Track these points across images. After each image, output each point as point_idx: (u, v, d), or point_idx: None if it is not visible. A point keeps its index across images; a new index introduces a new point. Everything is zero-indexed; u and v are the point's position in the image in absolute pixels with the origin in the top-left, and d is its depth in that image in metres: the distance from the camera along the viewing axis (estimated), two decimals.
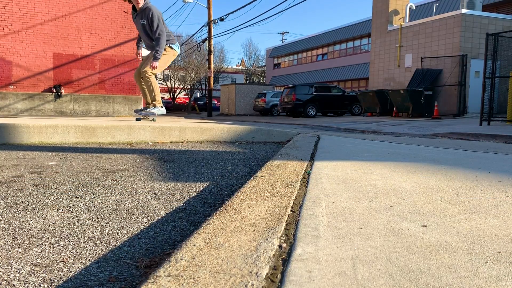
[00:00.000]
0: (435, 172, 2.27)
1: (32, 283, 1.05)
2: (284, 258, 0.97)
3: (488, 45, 9.61)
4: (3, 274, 1.09)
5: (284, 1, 27.29)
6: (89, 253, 1.27)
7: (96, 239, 1.40)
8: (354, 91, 26.23)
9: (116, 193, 2.12)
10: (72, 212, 1.73)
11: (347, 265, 0.93)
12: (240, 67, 63.59)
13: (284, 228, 1.19)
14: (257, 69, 59.61)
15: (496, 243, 1.09)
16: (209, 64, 25.02)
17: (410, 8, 21.35)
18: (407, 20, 20.94)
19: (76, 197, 2.01)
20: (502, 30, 15.16)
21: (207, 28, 25.14)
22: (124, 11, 13.61)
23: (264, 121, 15.90)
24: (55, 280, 1.07)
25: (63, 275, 1.10)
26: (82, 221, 1.61)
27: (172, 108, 39.38)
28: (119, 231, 1.49)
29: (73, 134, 4.61)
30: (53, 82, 13.35)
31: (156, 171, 2.83)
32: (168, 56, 6.64)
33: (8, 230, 1.47)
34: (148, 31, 6.45)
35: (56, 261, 1.20)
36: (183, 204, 1.92)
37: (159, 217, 1.69)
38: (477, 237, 1.14)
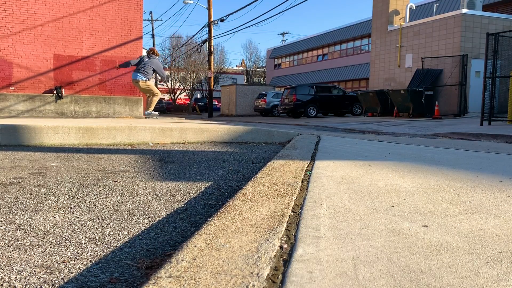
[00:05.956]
0: (436, 172, 2.27)
1: (33, 284, 1.05)
2: (285, 258, 0.97)
3: (489, 45, 9.60)
4: (5, 275, 1.09)
5: (285, 2, 27.29)
6: (90, 254, 1.27)
7: (97, 240, 1.40)
8: (355, 91, 26.22)
9: (117, 194, 2.12)
10: (73, 213, 1.73)
11: (348, 265, 0.93)
12: (240, 68, 63.57)
13: (285, 229, 1.18)
14: (257, 69, 59.56)
15: (497, 243, 1.09)
16: (210, 65, 25.03)
17: (410, 8, 21.34)
18: (408, 20, 20.93)
19: (77, 198, 2.01)
20: (503, 30, 15.14)
21: (207, 29, 25.15)
22: None
23: (265, 121, 15.89)
24: (56, 281, 1.07)
25: (64, 276, 1.10)
26: (83, 222, 1.61)
27: (173, 109, 39.41)
28: (120, 232, 1.49)
29: (74, 135, 4.61)
30: (53, 83, 13.36)
31: (157, 172, 2.83)
32: None
33: (9, 232, 1.47)
34: None
35: (57, 262, 1.20)
36: (184, 205, 1.92)
37: (160, 218, 1.69)
38: (478, 237, 1.14)
